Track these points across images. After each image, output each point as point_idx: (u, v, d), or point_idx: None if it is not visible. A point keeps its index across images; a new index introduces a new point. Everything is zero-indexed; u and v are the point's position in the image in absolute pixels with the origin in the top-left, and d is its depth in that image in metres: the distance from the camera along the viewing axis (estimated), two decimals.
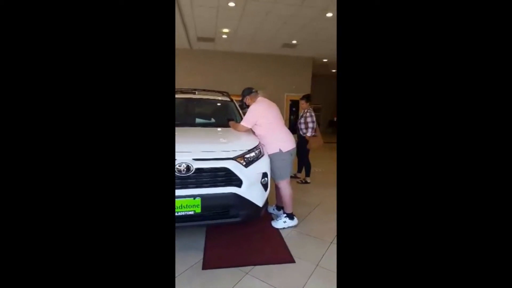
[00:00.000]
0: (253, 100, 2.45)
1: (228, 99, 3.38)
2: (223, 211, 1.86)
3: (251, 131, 2.43)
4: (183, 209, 1.72)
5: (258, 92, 2.55)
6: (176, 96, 3.35)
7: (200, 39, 6.95)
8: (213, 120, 3.04)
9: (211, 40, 7.01)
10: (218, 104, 3.36)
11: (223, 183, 1.81)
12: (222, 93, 3.59)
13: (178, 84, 4.40)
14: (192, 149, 1.85)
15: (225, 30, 6.25)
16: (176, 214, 1.71)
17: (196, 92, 3.91)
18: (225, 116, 3.18)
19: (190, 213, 1.74)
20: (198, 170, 1.76)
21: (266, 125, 2.26)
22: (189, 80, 7.48)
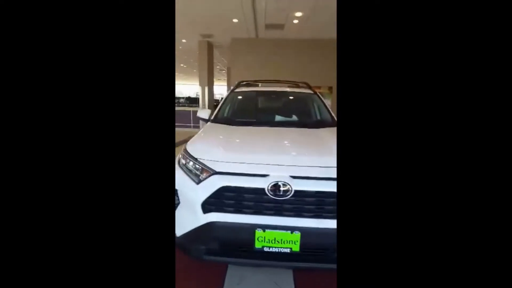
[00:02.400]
0: None
1: (310, 91, 2.82)
2: (323, 252, 1.35)
3: None
4: (277, 245, 1.28)
5: None
6: (245, 89, 2.91)
7: (269, 26, 6.47)
8: (295, 117, 2.52)
9: (280, 27, 6.46)
10: (300, 97, 2.82)
11: (330, 214, 1.30)
12: (299, 83, 3.03)
13: (241, 77, 3.99)
14: (288, 161, 1.39)
15: (298, 14, 5.62)
16: (267, 249, 1.29)
17: (260, 84, 3.39)
18: (309, 112, 2.64)
19: (286, 250, 1.29)
20: (298, 193, 1.28)
21: None
22: (257, 72, 7.11)
